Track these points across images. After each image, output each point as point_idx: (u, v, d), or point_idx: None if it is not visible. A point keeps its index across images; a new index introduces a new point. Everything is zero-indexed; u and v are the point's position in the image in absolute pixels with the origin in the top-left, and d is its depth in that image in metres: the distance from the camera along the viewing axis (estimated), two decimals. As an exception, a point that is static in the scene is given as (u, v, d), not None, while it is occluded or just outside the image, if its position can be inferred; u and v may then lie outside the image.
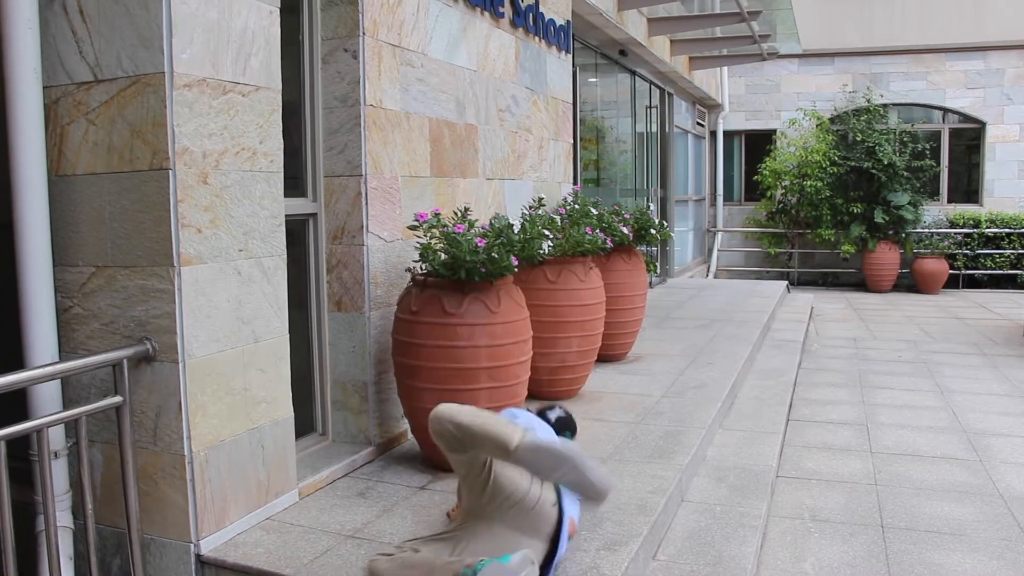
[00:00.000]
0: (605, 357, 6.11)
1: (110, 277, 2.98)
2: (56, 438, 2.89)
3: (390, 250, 4.20)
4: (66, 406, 2.97)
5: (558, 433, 3.25)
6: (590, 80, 8.98)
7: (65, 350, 3.07)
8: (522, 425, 2.81)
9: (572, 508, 2.97)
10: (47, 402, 2.90)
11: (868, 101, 14.75)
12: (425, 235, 3.85)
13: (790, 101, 15.58)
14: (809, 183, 14.28)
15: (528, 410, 3.34)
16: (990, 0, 14.44)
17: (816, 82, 15.51)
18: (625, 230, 6.06)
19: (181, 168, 2.85)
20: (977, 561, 3.64)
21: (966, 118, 15.00)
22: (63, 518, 2.95)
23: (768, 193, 15.18)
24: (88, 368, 2.81)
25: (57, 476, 2.90)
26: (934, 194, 15.06)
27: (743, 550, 3.43)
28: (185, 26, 2.84)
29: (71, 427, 2.87)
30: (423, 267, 3.88)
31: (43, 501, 2.68)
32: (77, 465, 2.82)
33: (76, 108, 2.97)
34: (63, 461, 2.96)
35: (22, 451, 2.85)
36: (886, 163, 13.87)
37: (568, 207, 5.80)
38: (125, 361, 2.86)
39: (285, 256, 3.38)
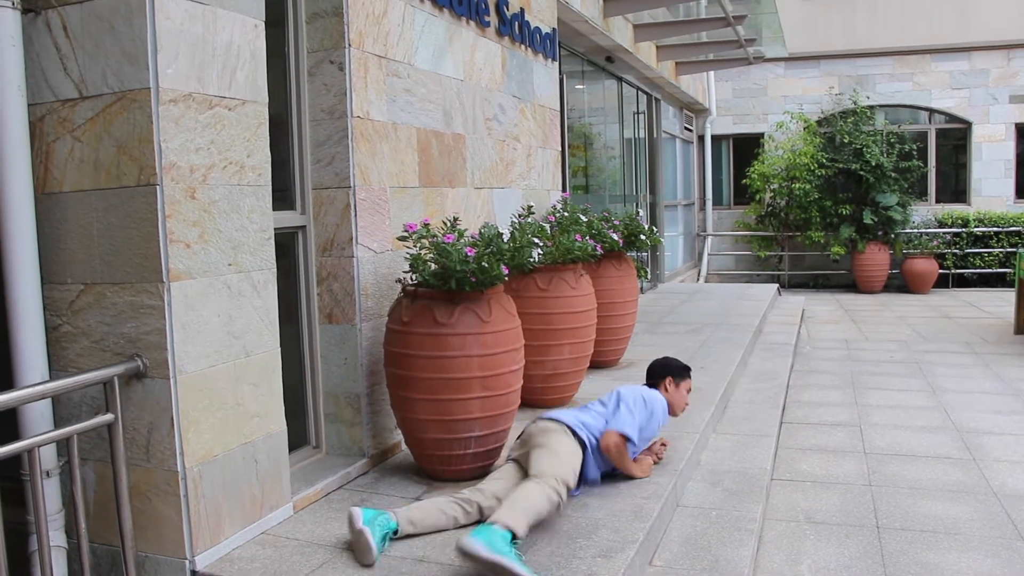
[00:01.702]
0: (597, 364, 6.12)
1: (99, 294, 2.97)
2: (48, 457, 2.88)
3: (380, 261, 4.20)
4: (57, 425, 2.95)
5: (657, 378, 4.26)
6: (577, 87, 9.00)
7: (55, 368, 3.06)
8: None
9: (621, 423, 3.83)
10: (38, 421, 2.88)
11: (855, 103, 14.84)
12: (415, 246, 3.86)
13: (777, 104, 15.65)
14: (798, 186, 14.33)
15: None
16: (973, 1, 14.54)
17: (802, 85, 15.58)
18: (615, 236, 6.07)
19: (168, 183, 2.85)
20: (972, 560, 3.65)
21: (952, 118, 15.10)
22: (56, 537, 2.93)
23: (757, 196, 15.23)
24: (79, 386, 2.80)
25: (49, 495, 2.89)
26: (922, 194, 15.14)
27: (739, 554, 3.43)
28: (170, 41, 2.84)
29: (63, 446, 2.86)
30: (413, 278, 3.88)
31: (36, 521, 2.66)
32: (69, 484, 2.80)
33: (61, 125, 2.96)
34: (55, 480, 2.95)
35: (14, 471, 2.83)
36: (874, 164, 13.94)
37: (557, 214, 5.81)
38: (116, 378, 2.84)
39: (275, 269, 3.38)
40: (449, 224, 3.92)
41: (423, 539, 3.23)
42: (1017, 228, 14.06)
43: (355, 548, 3.10)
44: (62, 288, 3.04)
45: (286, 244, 3.95)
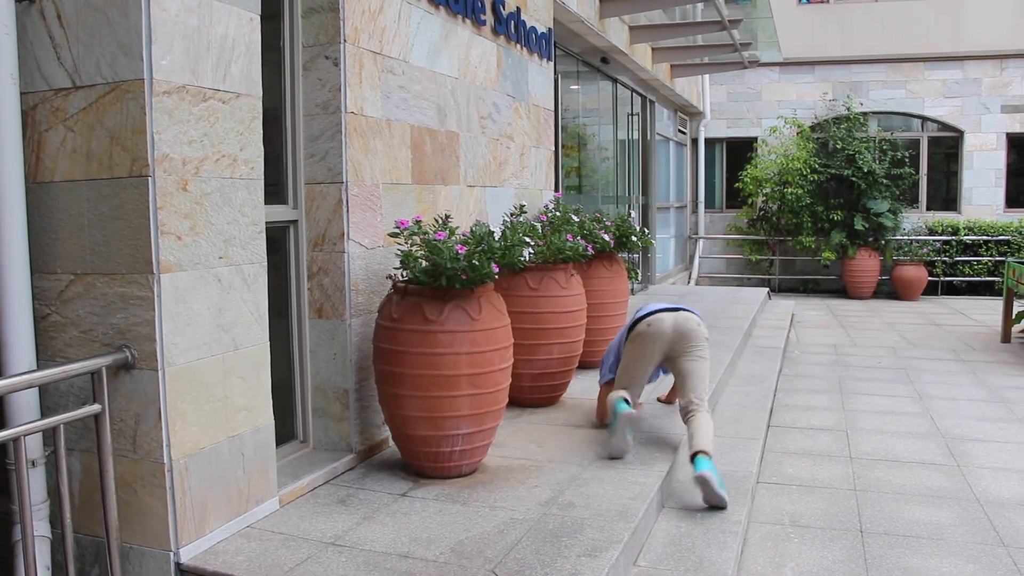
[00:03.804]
0: (587, 364, 6.12)
1: (89, 284, 2.97)
2: (33, 447, 2.87)
3: (371, 257, 4.20)
4: (44, 414, 2.94)
5: None
6: (572, 87, 9.02)
7: (43, 358, 3.05)
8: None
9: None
10: (24, 410, 2.87)
11: (848, 109, 14.89)
12: (406, 242, 3.86)
13: (771, 109, 15.69)
14: (790, 190, 14.39)
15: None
16: (968, 11, 14.62)
17: (797, 90, 15.64)
18: (606, 237, 6.08)
19: (161, 175, 2.84)
20: (954, 565, 3.68)
21: (944, 127, 15.17)
22: (41, 527, 2.92)
23: (749, 200, 15.28)
24: (66, 376, 2.79)
25: (34, 485, 2.88)
26: (913, 202, 15.20)
27: (723, 556, 3.44)
28: (165, 33, 2.84)
29: (49, 436, 2.85)
30: (404, 274, 3.88)
31: (20, 510, 2.66)
32: (55, 474, 2.80)
33: (54, 115, 2.95)
34: (41, 470, 2.94)
35: (-1, 460, 2.83)
36: (866, 171, 14.00)
37: (549, 214, 5.82)
38: (104, 369, 2.84)
39: (266, 263, 3.37)
40: (441, 221, 3.93)
41: (408, 536, 3.24)
42: (1006, 237, 14.14)
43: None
44: (52, 278, 3.03)
45: (277, 238, 3.95)
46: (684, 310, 4.62)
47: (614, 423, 4.21)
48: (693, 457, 3.95)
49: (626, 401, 4.30)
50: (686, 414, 4.28)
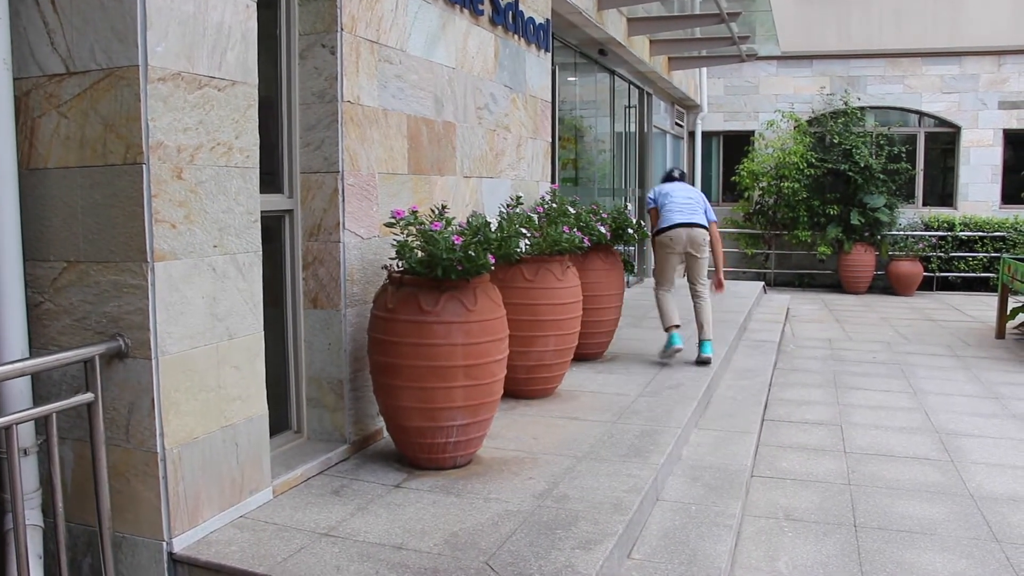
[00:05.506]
0: (582, 356, 6.12)
1: (82, 272, 2.95)
2: (26, 435, 2.86)
3: (367, 247, 4.18)
4: (36, 403, 2.93)
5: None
6: (569, 79, 8.99)
7: (35, 346, 3.03)
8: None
9: None
10: (16, 399, 2.86)
11: (845, 104, 14.87)
12: (402, 232, 3.84)
13: (768, 103, 15.67)
14: (786, 184, 14.37)
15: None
16: (966, 6, 14.59)
17: (794, 84, 15.61)
18: (603, 229, 6.07)
19: (155, 163, 2.82)
20: (947, 560, 3.68)
21: (941, 122, 15.16)
22: (32, 516, 2.91)
23: (746, 194, 15.26)
24: (59, 364, 2.77)
25: (26, 474, 2.87)
26: (909, 197, 15.21)
27: (717, 549, 3.44)
28: (160, 19, 2.81)
29: (41, 424, 2.84)
30: (400, 265, 3.87)
31: (12, 499, 2.64)
32: (47, 462, 2.78)
33: (47, 101, 2.92)
34: (33, 458, 2.93)
35: (-10, 448, 2.81)
36: (863, 165, 13.99)
37: (546, 206, 5.80)
38: (97, 357, 2.82)
39: (260, 253, 3.36)
40: (437, 212, 3.91)
41: (402, 527, 3.24)
42: (1002, 233, 14.15)
43: None
44: (45, 265, 3.01)
45: (272, 227, 3.93)
46: (696, 225, 6.38)
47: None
48: (700, 343, 6.39)
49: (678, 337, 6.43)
50: (693, 296, 6.56)
